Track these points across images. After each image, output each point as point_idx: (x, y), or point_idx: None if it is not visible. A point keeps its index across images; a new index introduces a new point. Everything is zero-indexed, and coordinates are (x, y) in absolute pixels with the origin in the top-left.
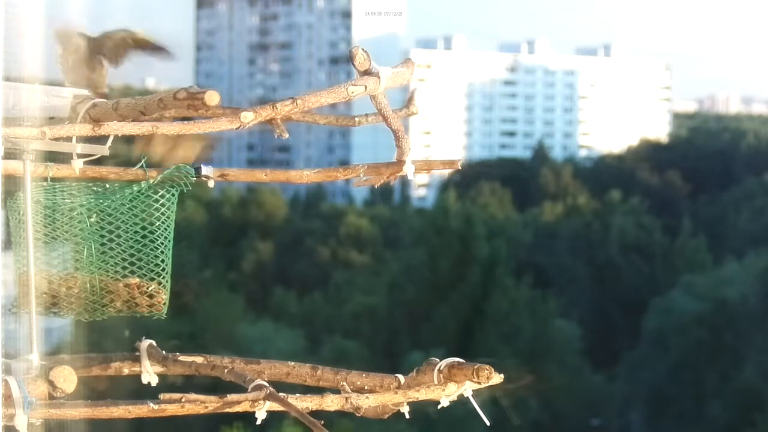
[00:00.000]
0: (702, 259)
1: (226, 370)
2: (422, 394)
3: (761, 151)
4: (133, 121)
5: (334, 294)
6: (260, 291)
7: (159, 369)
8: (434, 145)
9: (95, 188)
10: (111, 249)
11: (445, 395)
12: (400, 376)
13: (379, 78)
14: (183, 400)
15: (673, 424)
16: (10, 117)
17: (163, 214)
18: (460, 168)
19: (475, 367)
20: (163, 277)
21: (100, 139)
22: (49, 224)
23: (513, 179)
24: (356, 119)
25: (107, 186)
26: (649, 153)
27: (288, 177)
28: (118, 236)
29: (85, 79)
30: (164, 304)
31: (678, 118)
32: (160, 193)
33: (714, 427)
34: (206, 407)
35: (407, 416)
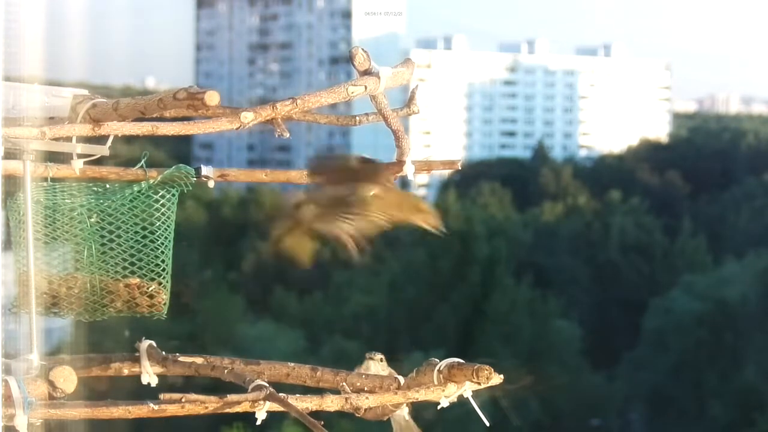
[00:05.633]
0: (702, 259)
1: (226, 371)
2: (422, 395)
3: (761, 151)
4: (133, 121)
5: (334, 294)
6: (260, 291)
7: (159, 370)
8: (434, 145)
9: (95, 188)
10: (111, 249)
11: (445, 396)
12: (400, 377)
13: (379, 78)
14: (183, 400)
15: (673, 424)
16: (10, 117)
17: (163, 214)
18: (459, 168)
19: (475, 367)
20: (164, 278)
21: (100, 140)
22: (50, 224)
23: (513, 179)
24: (356, 119)
25: (107, 186)
26: (649, 153)
27: (288, 177)
28: (119, 236)
29: None
30: (164, 304)
31: (678, 118)
32: (160, 194)
33: (714, 427)
34: (206, 407)
35: (407, 417)
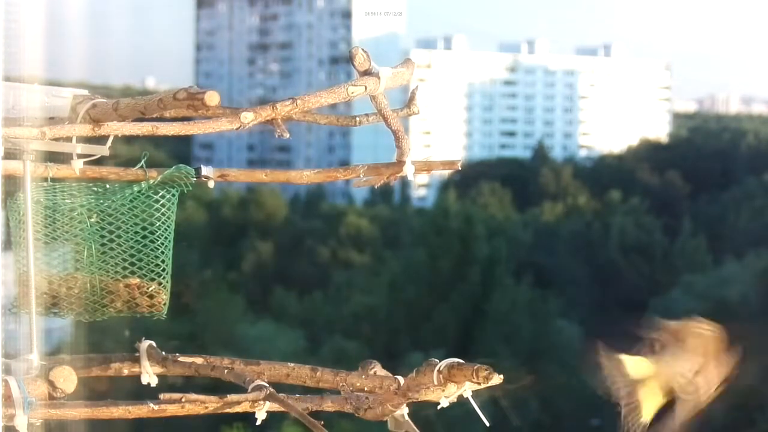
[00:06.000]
0: (702, 259)
1: (226, 371)
2: (422, 395)
3: (761, 151)
4: (133, 121)
5: (334, 294)
6: (260, 291)
7: (159, 370)
8: (434, 145)
9: (95, 188)
10: (111, 249)
11: (445, 396)
12: (400, 378)
13: (379, 78)
14: (183, 400)
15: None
16: (10, 117)
17: (163, 214)
18: (459, 168)
19: (475, 367)
20: (164, 278)
21: (100, 140)
22: (50, 224)
23: (513, 179)
24: (356, 119)
25: (107, 186)
26: (649, 153)
27: (288, 177)
28: (119, 236)
29: None
30: (164, 304)
31: (678, 118)
32: (160, 194)
33: (714, 427)
34: (206, 407)
35: (406, 417)
